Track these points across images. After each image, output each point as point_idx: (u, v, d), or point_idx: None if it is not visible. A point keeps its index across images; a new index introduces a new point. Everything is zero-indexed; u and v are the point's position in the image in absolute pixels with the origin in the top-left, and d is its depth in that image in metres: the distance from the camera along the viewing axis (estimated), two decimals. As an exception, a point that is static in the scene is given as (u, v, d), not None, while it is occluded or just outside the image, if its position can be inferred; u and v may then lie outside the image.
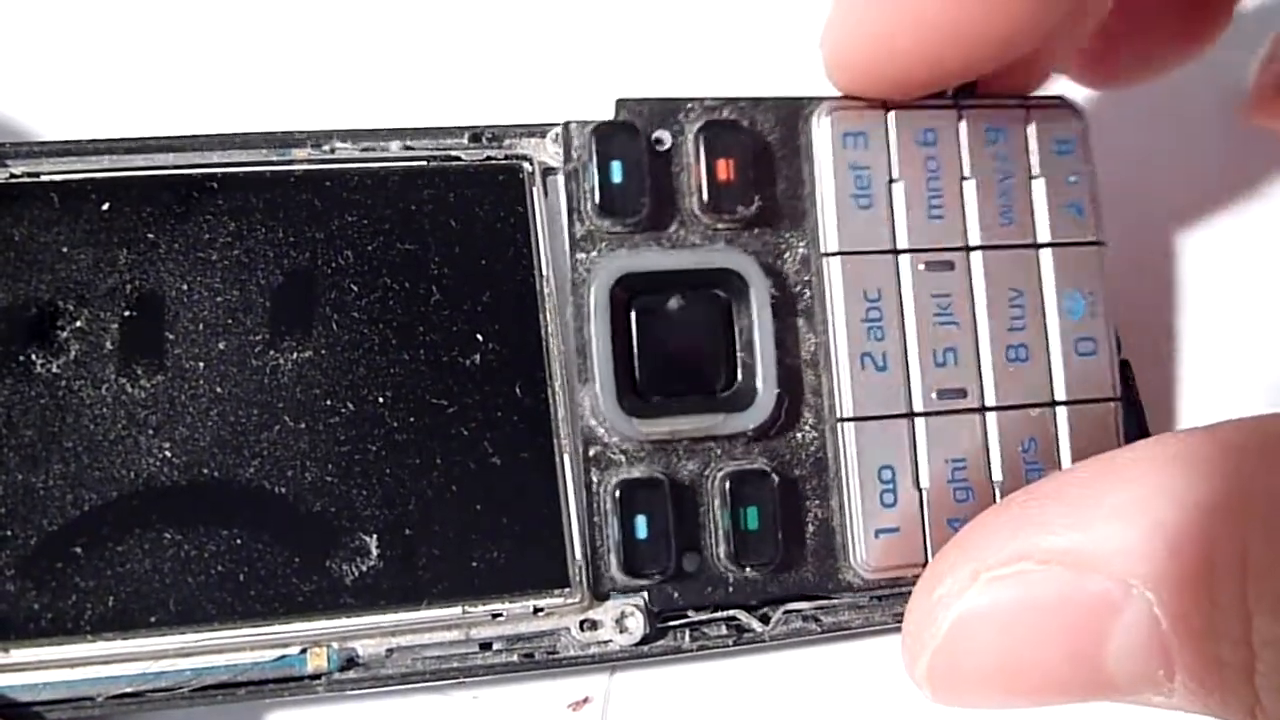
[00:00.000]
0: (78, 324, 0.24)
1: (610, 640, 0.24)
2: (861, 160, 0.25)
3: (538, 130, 0.28)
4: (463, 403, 0.25)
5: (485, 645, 0.24)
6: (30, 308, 0.24)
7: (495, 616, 0.23)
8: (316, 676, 0.23)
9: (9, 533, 0.22)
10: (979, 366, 0.25)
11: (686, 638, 0.25)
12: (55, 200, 0.25)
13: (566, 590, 0.24)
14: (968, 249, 0.25)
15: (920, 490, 0.24)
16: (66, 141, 0.26)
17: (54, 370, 0.23)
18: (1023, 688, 0.19)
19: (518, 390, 0.25)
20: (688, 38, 0.32)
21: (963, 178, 0.25)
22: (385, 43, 0.30)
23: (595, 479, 0.24)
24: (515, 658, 0.24)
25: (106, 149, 0.26)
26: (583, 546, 0.24)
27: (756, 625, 0.25)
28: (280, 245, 0.25)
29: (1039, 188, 0.26)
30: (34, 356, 0.23)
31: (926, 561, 0.24)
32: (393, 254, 0.25)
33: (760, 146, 0.25)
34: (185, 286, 0.25)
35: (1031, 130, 0.26)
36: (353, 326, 0.25)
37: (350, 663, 0.23)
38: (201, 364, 0.24)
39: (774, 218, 0.25)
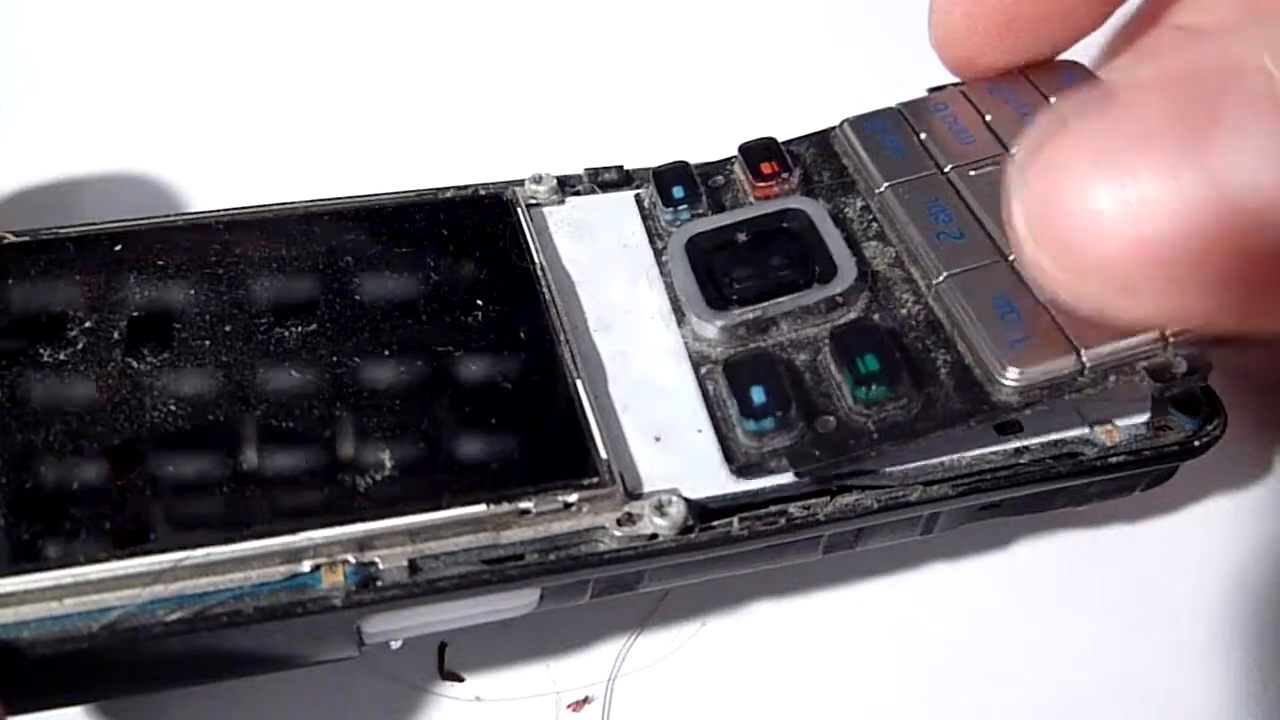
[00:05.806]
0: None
1: (651, 532, 0.22)
2: (887, 134, 0.27)
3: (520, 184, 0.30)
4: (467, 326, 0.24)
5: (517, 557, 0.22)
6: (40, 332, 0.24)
7: (523, 514, 0.22)
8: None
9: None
10: None
11: (735, 524, 0.22)
12: (70, 248, 0.26)
13: (595, 479, 0.22)
14: (1009, 152, 0.25)
15: (1041, 302, 0.23)
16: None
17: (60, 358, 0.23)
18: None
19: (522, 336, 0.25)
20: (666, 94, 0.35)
21: (984, 118, 0.27)
22: (373, 110, 0.34)
23: (708, 380, 0.24)
24: (552, 557, 0.21)
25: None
26: (604, 441, 0.23)
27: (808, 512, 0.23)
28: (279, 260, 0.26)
29: None
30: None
31: (1076, 349, 0.23)
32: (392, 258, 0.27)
33: (799, 150, 0.28)
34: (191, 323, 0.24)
35: (1037, 83, 0.27)
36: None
37: (370, 580, 0.21)
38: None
39: (825, 191, 0.27)
